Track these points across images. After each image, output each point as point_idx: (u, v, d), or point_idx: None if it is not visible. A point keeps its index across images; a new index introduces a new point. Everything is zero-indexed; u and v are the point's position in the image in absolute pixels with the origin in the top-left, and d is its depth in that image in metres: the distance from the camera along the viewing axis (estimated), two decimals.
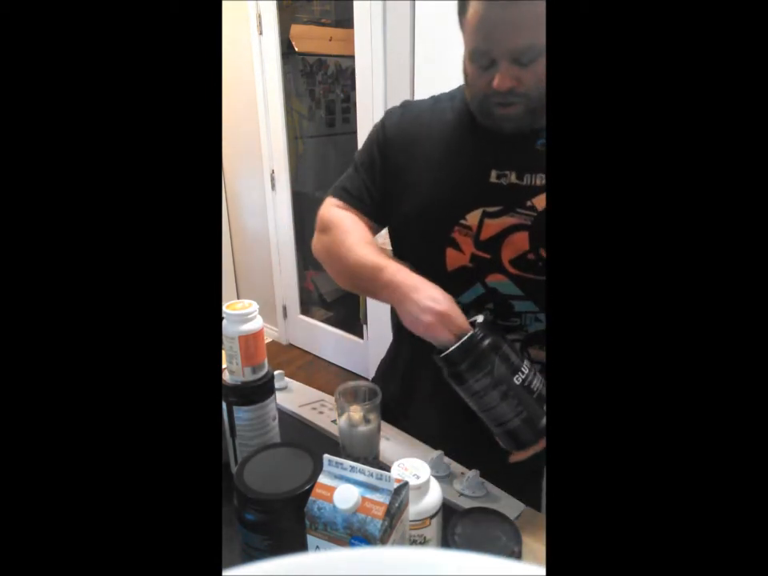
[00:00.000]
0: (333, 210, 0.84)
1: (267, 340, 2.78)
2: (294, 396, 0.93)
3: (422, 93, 1.80)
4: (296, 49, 2.55)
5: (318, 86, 2.79)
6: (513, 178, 0.73)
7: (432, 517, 0.56)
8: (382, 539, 0.45)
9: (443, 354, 0.63)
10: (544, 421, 0.63)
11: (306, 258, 2.75)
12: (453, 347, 0.62)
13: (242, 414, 0.68)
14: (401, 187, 0.80)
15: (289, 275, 2.68)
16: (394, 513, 0.46)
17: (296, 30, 2.55)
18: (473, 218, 0.74)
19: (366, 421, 0.71)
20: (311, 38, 2.63)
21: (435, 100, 0.83)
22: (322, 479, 0.49)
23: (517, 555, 0.53)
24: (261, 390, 0.69)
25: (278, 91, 2.36)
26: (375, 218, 0.84)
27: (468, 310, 0.76)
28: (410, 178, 0.79)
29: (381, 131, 0.83)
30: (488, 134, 0.74)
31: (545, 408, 0.63)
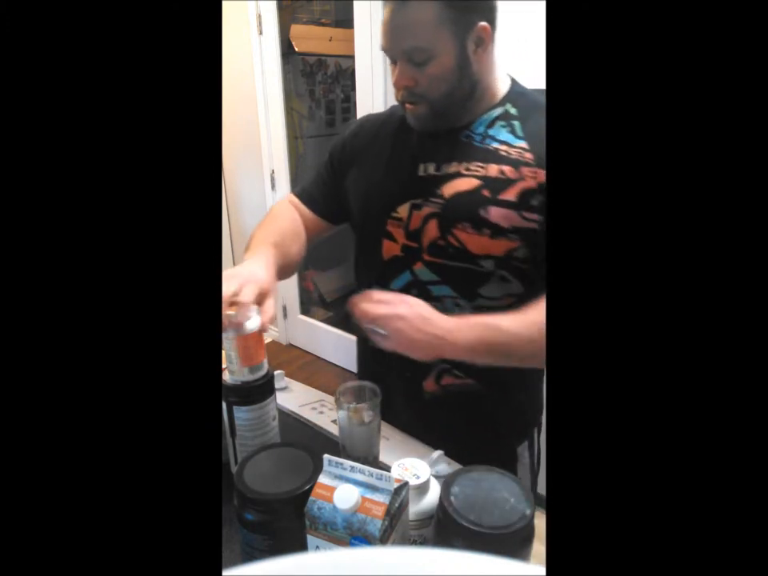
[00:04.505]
0: (281, 202, 0.96)
1: (267, 340, 2.77)
2: (294, 396, 0.93)
3: None
4: (296, 49, 2.55)
5: (318, 86, 2.79)
6: (432, 169, 0.79)
7: (432, 517, 0.56)
8: (382, 539, 0.45)
9: None
10: None
11: (305, 258, 2.74)
12: None
13: (241, 414, 0.68)
14: (348, 185, 0.89)
15: None
16: (393, 513, 0.46)
17: (296, 30, 2.55)
18: (403, 210, 0.81)
19: (366, 421, 0.71)
20: (311, 38, 2.63)
21: (392, 109, 0.91)
22: (322, 479, 0.49)
23: (529, 518, 0.47)
24: (261, 390, 0.69)
25: (278, 91, 2.36)
26: (326, 215, 0.94)
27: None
28: (355, 176, 0.88)
29: (339, 139, 0.93)
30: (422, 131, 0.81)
31: None
